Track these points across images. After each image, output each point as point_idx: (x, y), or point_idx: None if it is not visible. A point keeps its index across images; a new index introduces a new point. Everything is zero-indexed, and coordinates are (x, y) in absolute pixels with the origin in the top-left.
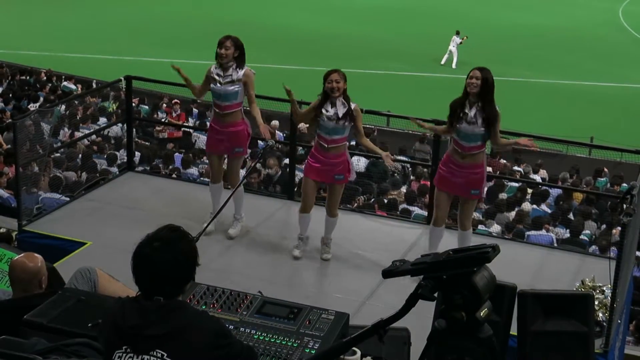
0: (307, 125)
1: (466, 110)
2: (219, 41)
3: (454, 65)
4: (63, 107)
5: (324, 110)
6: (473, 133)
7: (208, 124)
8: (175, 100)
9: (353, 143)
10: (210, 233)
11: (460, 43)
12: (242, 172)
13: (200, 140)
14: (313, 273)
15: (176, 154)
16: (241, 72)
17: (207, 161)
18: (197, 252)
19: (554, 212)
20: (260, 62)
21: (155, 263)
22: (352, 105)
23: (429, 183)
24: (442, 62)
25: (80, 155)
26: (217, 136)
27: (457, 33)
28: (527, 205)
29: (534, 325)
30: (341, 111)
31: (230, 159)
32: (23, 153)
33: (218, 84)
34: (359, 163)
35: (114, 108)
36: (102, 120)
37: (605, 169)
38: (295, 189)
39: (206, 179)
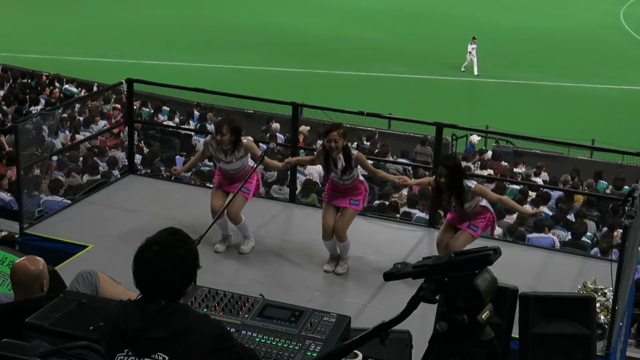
0: (308, 128)
1: (448, 203)
2: (216, 125)
3: (475, 72)
4: (67, 109)
5: (332, 172)
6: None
7: (208, 126)
8: (117, 105)
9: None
10: (220, 253)
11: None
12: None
13: (201, 143)
14: (314, 276)
15: (177, 156)
16: (241, 150)
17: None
18: (197, 255)
19: (555, 215)
20: (261, 64)
21: (155, 266)
22: (354, 155)
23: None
24: (463, 69)
25: (81, 158)
26: (227, 180)
27: (474, 39)
28: (528, 208)
29: (535, 327)
30: (340, 167)
31: (236, 195)
32: (24, 156)
33: (222, 163)
34: None
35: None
36: (103, 123)
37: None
38: (297, 192)
39: (207, 183)
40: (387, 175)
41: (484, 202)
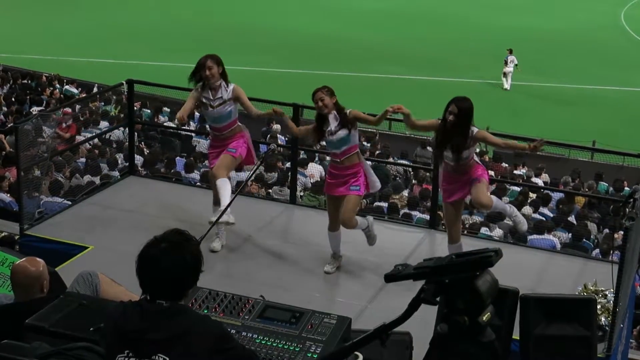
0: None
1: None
2: (198, 64)
3: (506, 85)
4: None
5: (326, 132)
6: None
7: (207, 127)
8: (67, 109)
9: None
10: (217, 252)
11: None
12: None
13: (201, 144)
14: (315, 277)
15: (177, 157)
16: (230, 90)
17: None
18: (202, 256)
19: (556, 216)
20: (261, 65)
21: (161, 264)
22: (348, 110)
23: (430, 187)
24: (508, 87)
25: (83, 159)
26: (219, 145)
27: (510, 51)
28: (528, 209)
29: (536, 329)
30: (334, 125)
31: (223, 154)
32: (25, 157)
33: (210, 108)
34: None
35: (116, 112)
36: (104, 124)
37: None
38: (302, 190)
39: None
40: (379, 117)
41: (475, 158)
